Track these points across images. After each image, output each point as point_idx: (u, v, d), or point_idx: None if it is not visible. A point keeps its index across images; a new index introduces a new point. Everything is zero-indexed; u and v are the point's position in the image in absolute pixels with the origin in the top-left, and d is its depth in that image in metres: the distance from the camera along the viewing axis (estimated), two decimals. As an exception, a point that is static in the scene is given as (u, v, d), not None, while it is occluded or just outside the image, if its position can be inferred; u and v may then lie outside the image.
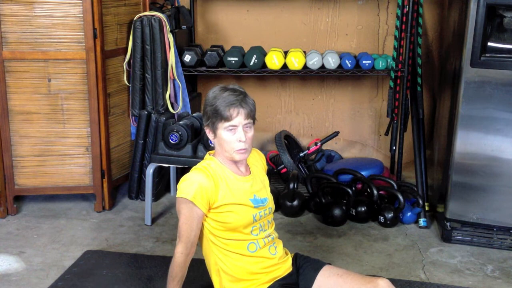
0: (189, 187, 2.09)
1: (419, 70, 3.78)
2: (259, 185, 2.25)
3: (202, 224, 2.16)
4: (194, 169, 2.16)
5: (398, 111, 3.86)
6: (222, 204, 2.12)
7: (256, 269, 2.16)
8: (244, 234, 2.15)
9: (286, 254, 2.30)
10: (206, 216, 2.14)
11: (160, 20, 3.59)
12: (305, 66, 3.78)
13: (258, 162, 2.36)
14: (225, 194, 2.12)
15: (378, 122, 4.33)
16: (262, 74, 3.89)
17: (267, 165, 4.00)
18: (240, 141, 2.10)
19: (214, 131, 2.14)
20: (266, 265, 2.18)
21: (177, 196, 2.12)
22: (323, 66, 3.77)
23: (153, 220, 3.46)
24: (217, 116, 2.10)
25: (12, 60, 3.34)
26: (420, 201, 3.39)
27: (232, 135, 2.10)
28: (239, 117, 2.09)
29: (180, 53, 3.77)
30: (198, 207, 2.08)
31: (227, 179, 2.15)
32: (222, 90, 2.14)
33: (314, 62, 3.75)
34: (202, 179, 2.10)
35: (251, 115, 2.13)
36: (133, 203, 3.76)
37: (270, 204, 2.26)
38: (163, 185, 3.88)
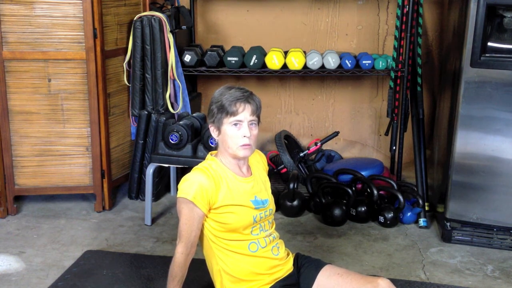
0: (190, 188, 2.09)
1: (419, 70, 3.78)
2: (260, 186, 2.25)
3: (203, 225, 2.16)
4: (195, 169, 2.16)
5: (398, 111, 3.86)
6: (222, 205, 2.11)
7: (259, 270, 2.16)
8: (244, 234, 2.15)
9: (288, 254, 2.30)
10: (207, 217, 2.14)
11: (160, 20, 3.59)
12: (305, 66, 3.78)
13: (260, 163, 2.36)
14: (225, 195, 2.12)
15: (378, 122, 4.33)
16: (262, 74, 3.89)
17: (267, 165, 4.00)
18: (244, 136, 2.10)
19: (219, 127, 2.13)
20: (269, 265, 2.18)
21: (177, 196, 2.12)
22: (323, 66, 3.77)
23: (153, 220, 3.46)
24: (222, 111, 2.10)
25: (12, 60, 3.34)
26: (420, 201, 3.39)
27: (237, 130, 2.10)
28: (245, 112, 2.09)
29: (180, 53, 3.77)
30: (198, 207, 2.08)
31: (228, 180, 2.15)
32: (228, 88, 2.15)
33: (314, 62, 3.75)
34: (203, 179, 2.09)
35: (257, 113, 2.13)
36: (133, 203, 3.76)
37: (271, 205, 2.26)
38: (163, 185, 3.88)
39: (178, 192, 2.12)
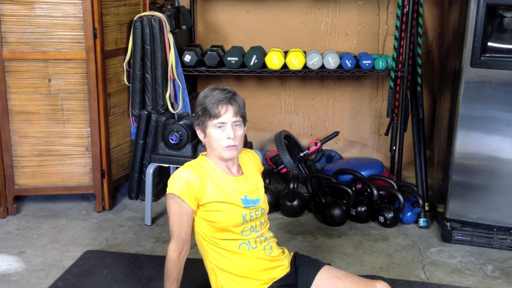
0: (177, 183, 2.11)
1: (419, 70, 3.78)
2: (252, 186, 2.25)
3: (194, 223, 2.17)
4: (183, 166, 2.18)
5: (398, 111, 3.86)
6: (210, 202, 2.12)
7: (253, 268, 2.16)
8: (235, 233, 2.15)
9: (283, 253, 2.29)
10: (196, 214, 2.15)
11: (160, 20, 3.59)
12: (305, 66, 3.78)
13: (252, 164, 2.35)
14: (213, 191, 2.13)
15: (378, 122, 4.33)
16: (262, 74, 3.89)
17: (267, 165, 4.00)
18: (228, 138, 2.11)
19: (204, 130, 2.16)
20: (263, 263, 2.18)
21: (167, 192, 2.14)
22: (323, 66, 3.76)
23: (153, 220, 3.46)
24: (206, 114, 2.12)
25: (12, 60, 3.34)
26: (420, 201, 3.39)
27: (221, 132, 2.12)
28: (227, 114, 2.11)
29: (180, 53, 3.77)
30: (186, 202, 2.10)
31: (217, 178, 2.16)
32: (212, 90, 2.17)
33: (314, 62, 3.75)
34: (189, 174, 2.12)
35: (240, 113, 2.14)
36: (133, 203, 3.76)
37: (263, 205, 2.25)
38: (163, 185, 3.87)
39: (167, 188, 2.14)
